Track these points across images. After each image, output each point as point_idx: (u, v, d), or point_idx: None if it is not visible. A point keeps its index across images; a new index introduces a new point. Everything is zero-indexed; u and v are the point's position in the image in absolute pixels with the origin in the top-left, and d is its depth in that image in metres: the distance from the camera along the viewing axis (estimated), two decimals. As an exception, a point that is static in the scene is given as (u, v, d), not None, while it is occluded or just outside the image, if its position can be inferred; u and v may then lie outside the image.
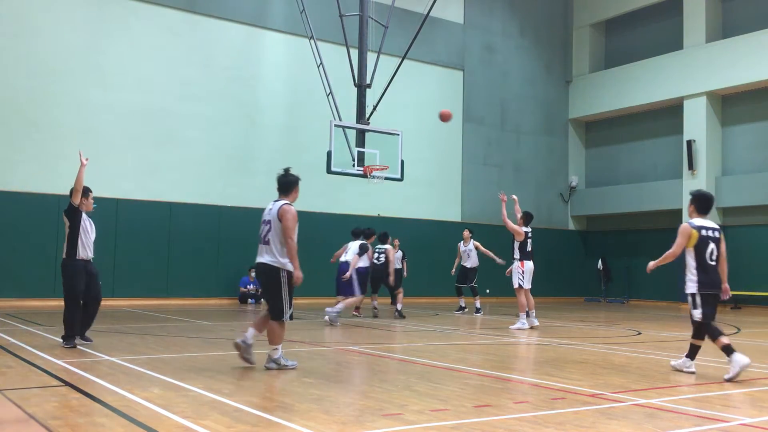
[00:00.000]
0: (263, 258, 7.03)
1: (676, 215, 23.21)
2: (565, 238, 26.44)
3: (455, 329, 12.47)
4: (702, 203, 7.50)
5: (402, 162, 17.65)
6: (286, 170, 7.35)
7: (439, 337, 11.17)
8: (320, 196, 20.65)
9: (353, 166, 17.23)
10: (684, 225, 7.36)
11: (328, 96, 17.99)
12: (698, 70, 22.78)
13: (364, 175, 17.19)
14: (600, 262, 25.69)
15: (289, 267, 6.95)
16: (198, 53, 19.55)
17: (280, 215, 6.95)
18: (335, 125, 17.17)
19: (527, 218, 13.04)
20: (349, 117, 18.19)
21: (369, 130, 17.73)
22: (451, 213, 23.70)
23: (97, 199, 17.64)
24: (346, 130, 17.52)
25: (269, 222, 7.03)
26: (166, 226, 18.66)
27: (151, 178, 18.60)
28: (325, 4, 19.96)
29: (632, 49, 25.68)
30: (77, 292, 8.32)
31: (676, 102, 23.55)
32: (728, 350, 6.96)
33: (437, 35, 23.47)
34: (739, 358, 6.85)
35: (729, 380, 6.81)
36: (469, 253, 16.60)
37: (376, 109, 18.12)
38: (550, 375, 7.03)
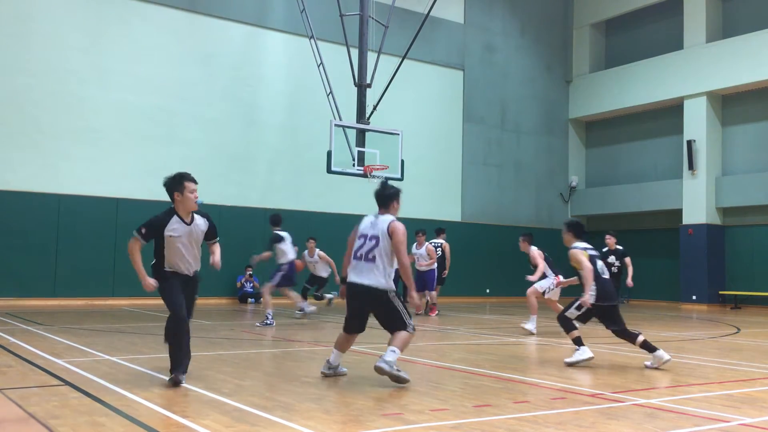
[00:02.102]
0: (365, 279, 6.33)
1: (676, 215, 23.21)
2: (565, 238, 26.41)
3: (455, 329, 12.47)
4: (578, 230, 8.32)
5: (402, 162, 17.65)
6: (384, 183, 6.84)
7: (439, 337, 11.16)
8: (320, 196, 20.66)
9: (353, 165, 17.23)
10: (573, 251, 8.02)
11: (328, 96, 17.99)
12: (698, 70, 22.77)
13: (365, 175, 17.20)
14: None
15: (394, 287, 6.43)
16: (198, 53, 19.54)
17: (390, 232, 6.37)
18: (335, 125, 17.17)
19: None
20: (350, 117, 18.18)
21: (369, 130, 17.73)
22: (451, 213, 23.70)
23: (97, 199, 17.98)
24: (346, 129, 17.53)
25: (375, 238, 6.41)
26: (166, 225, 18.62)
27: (151, 178, 18.53)
28: (326, 3, 19.94)
29: (632, 49, 25.67)
30: (173, 305, 6.12)
31: (676, 102, 23.54)
32: (578, 342, 7.83)
33: (437, 35, 23.46)
34: (585, 351, 7.71)
35: (569, 364, 7.68)
36: (315, 264, 15.42)
37: (377, 108, 18.12)
38: (550, 375, 7.03)
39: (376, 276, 6.30)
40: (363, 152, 17.41)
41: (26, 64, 17.27)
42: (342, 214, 21.10)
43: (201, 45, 19.59)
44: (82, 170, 17.76)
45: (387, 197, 6.66)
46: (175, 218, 6.18)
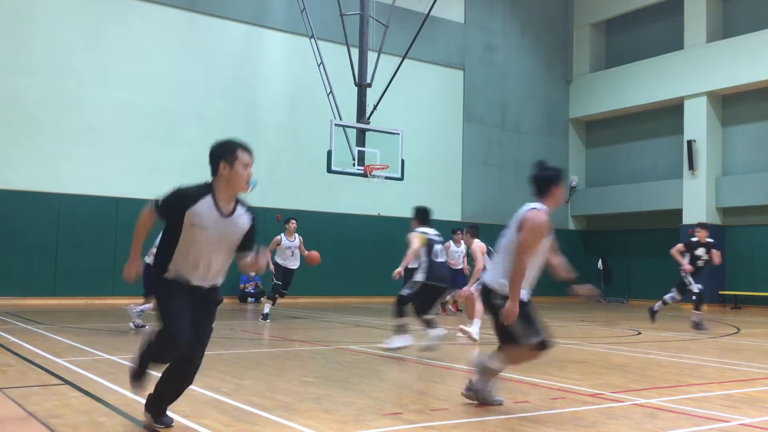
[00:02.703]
0: (487, 275, 5.33)
1: (676, 215, 23.21)
2: (565, 238, 26.38)
3: (455, 329, 12.45)
4: (423, 216, 9.03)
5: (402, 161, 17.65)
6: (540, 163, 5.35)
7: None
8: (320, 195, 20.65)
9: (353, 165, 17.23)
10: (412, 233, 8.79)
11: (328, 95, 17.99)
12: (699, 70, 22.76)
13: (365, 175, 17.20)
14: (600, 262, 25.68)
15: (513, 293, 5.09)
16: (198, 52, 19.53)
17: (522, 222, 5.09)
18: (335, 124, 17.18)
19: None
20: (350, 116, 18.18)
21: (369, 130, 17.73)
22: (452, 213, 23.68)
23: (97, 199, 17.99)
24: (347, 129, 17.53)
25: (509, 227, 5.27)
26: (166, 225, 18.62)
27: (151, 178, 18.57)
28: (326, 3, 19.93)
29: (633, 49, 25.66)
30: (166, 326, 4.25)
31: (676, 102, 23.53)
32: (402, 330, 8.41)
33: (438, 34, 23.45)
34: (406, 339, 8.37)
35: (387, 350, 8.36)
36: (293, 251, 13.14)
37: (377, 108, 18.12)
38: (550, 375, 7.02)
39: (493, 272, 5.28)
40: (363, 152, 17.41)
41: (26, 64, 17.26)
42: (342, 214, 21.11)
43: (201, 44, 19.58)
44: (82, 170, 17.76)
45: (538, 181, 5.29)
46: (208, 199, 4.20)
